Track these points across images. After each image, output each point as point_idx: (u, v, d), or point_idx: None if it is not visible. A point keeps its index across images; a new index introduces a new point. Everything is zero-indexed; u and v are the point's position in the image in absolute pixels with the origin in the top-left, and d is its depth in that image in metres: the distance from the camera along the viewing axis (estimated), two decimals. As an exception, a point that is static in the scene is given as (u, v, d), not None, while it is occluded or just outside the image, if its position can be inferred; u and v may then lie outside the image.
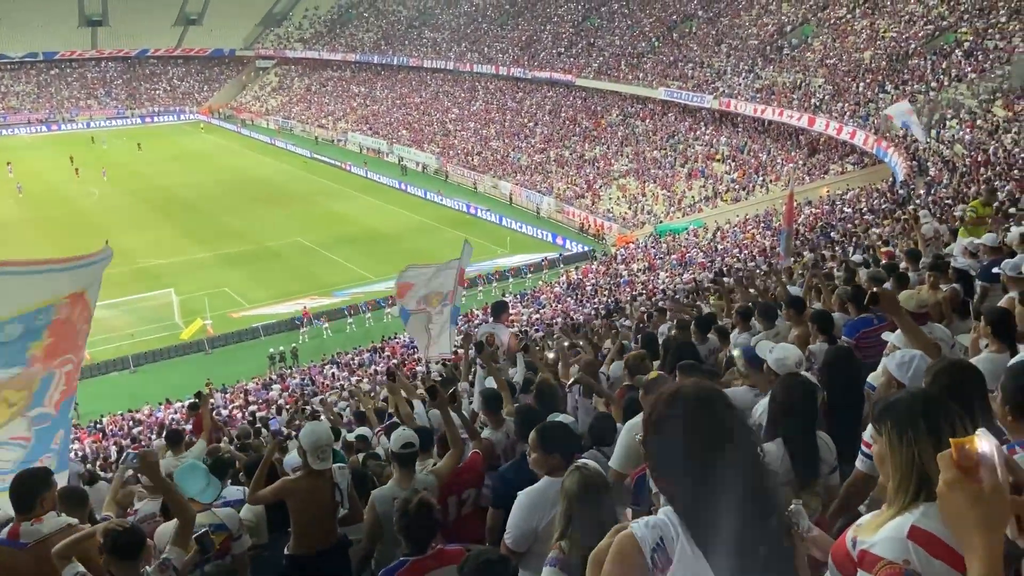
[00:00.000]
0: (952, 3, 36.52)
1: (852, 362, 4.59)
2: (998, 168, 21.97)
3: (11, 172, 50.15)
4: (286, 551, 4.64)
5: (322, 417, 12.26)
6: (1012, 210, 12.79)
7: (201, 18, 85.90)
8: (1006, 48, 31.02)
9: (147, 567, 3.44)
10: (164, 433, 10.52)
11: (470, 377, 7.83)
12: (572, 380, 6.19)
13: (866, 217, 23.52)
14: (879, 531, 1.72)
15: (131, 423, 21.62)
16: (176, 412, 21.37)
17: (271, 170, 54.99)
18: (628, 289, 27.29)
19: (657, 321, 11.35)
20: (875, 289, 4.50)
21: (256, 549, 4.76)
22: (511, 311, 28.85)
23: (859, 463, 3.39)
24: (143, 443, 17.84)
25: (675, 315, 11.07)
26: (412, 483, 4.62)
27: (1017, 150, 23.35)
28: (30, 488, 3.81)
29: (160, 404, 22.94)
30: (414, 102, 64.63)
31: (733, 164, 40.38)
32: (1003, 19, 33.18)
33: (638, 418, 4.51)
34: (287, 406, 19.00)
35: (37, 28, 76.05)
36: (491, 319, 8.64)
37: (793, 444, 3.40)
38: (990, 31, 32.77)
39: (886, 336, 4.58)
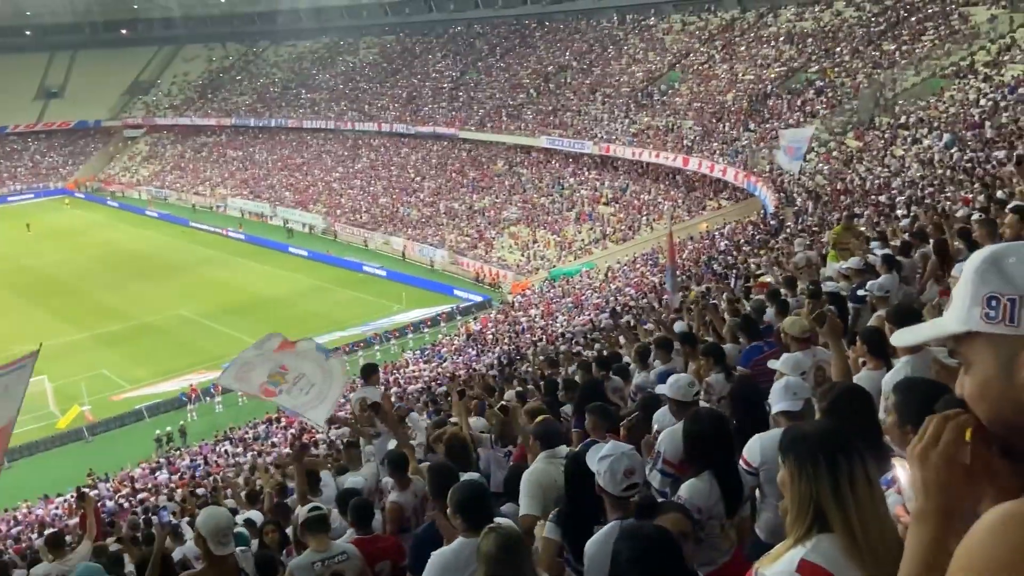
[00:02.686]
0: (800, 46, 39.57)
1: (755, 388, 4.76)
2: (856, 195, 23.67)
3: None
4: None
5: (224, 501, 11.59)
6: (872, 233, 13.75)
7: (63, 91, 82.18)
8: (852, 84, 33.77)
9: None
10: (45, 537, 9.69)
11: (373, 441, 7.61)
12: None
13: (743, 248, 24.73)
14: (775, 563, 1.76)
15: (10, 523, 19.81)
16: (57, 507, 19.78)
17: (147, 243, 52.61)
18: (528, 336, 27.50)
19: (564, 362, 11.47)
20: (825, 310, 4.73)
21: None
22: (414, 366, 28.50)
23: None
24: (23, 543, 16.39)
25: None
26: (329, 548, 4.43)
27: (871, 177, 25.27)
28: None
29: (39, 500, 21.19)
30: (296, 163, 63.78)
31: (618, 206, 41.78)
32: (846, 57, 36.18)
33: (537, 464, 4.52)
34: (177, 491, 17.91)
35: None
36: (361, 382, 8.46)
37: (720, 476, 3.47)
38: (836, 69, 35.64)
39: (772, 363, 4.78)
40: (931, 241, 7.94)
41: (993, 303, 1.08)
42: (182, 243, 51.99)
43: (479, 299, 38.70)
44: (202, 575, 4.15)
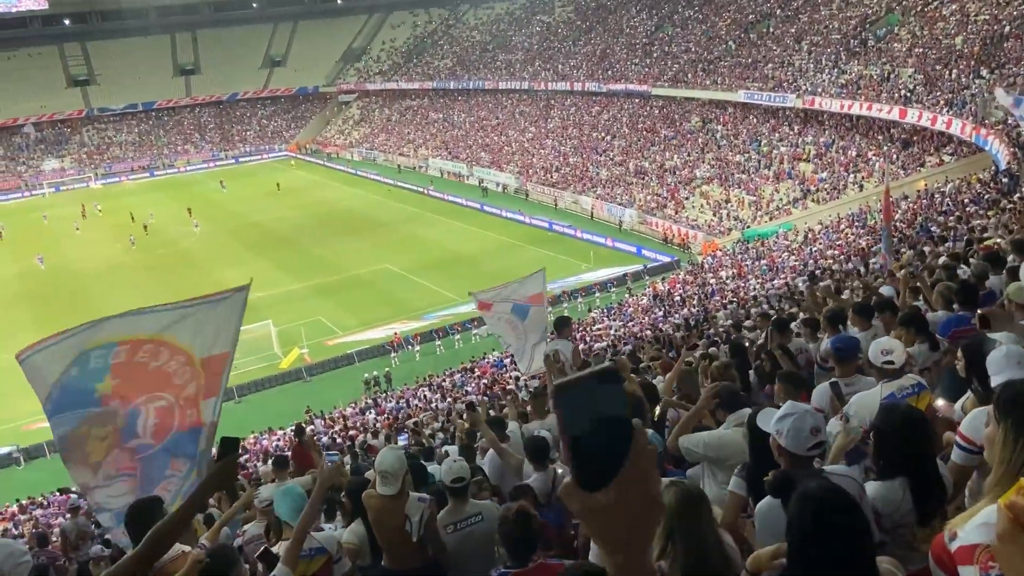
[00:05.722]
0: (1050, -22, 34.55)
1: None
2: (1114, 148, 20.55)
3: (152, 217, 52.65)
4: (382, 563, 4.75)
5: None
6: None
7: (285, 59, 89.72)
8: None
9: None
10: (273, 459, 10.92)
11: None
12: (660, 407, 6.06)
13: (968, 209, 22.35)
14: (971, 520, 1.64)
15: (239, 452, 22.45)
16: (279, 439, 22.13)
17: (357, 200, 56.64)
18: (718, 298, 26.72)
19: (760, 325, 11.10)
20: None
21: (362, 571, 4.86)
22: (600, 325, 28.72)
23: (955, 455, 3.20)
24: (250, 470, 18.54)
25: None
26: (462, 511, 4.64)
27: None
28: (143, 519, 4.02)
29: (264, 432, 23.78)
30: (491, 124, 65.49)
31: (821, 163, 39.13)
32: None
33: (722, 429, 4.47)
34: (382, 430, 19.41)
35: (135, 81, 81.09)
36: (554, 335, 8.66)
37: (916, 481, 3.07)
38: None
39: (992, 335, 4.35)
40: None
41: None
42: (388, 201, 55.44)
43: (667, 259, 38.05)
44: (374, 499, 4.49)
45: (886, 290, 8.94)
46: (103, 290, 39.51)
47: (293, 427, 21.07)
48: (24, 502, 19.83)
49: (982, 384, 3.76)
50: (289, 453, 12.15)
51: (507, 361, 26.34)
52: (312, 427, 22.08)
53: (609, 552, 0.98)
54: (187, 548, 4.02)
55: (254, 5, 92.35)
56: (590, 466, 0.99)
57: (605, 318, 29.90)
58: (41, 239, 50.47)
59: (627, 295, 33.59)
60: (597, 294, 35.03)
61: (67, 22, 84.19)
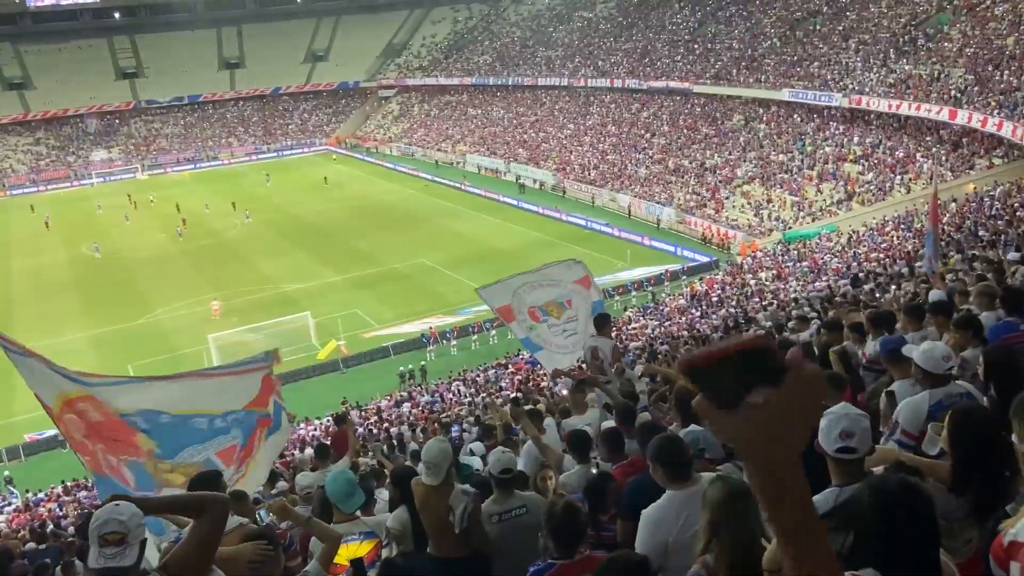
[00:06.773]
0: (1110, -24, 33.52)
1: (1014, 355, 4.22)
2: None
3: (208, 208, 53.94)
4: (427, 549, 4.81)
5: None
6: None
7: (327, 54, 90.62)
8: None
9: None
10: (315, 447, 11.12)
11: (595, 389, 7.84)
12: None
13: (1019, 214, 21.80)
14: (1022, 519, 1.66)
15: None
16: (316, 428, 22.42)
17: (396, 195, 57.02)
18: (758, 299, 26.41)
19: (798, 328, 10.97)
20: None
21: (404, 557, 4.94)
22: (635, 324, 28.57)
23: None
24: (288, 458, 18.84)
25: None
26: (508, 502, 4.68)
27: None
28: (203, 489, 4.15)
29: (300, 422, 24.10)
30: (530, 120, 65.44)
31: (867, 164, 38.43)
32: None
33: None
34: (420, 421, 19.57)
35: (181, 74, 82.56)
36: (594, 332, 8.58)
37: (985, 487, 2.98)
38: None
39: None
40: None
41: None
42: (425, 196, 55.75)
43: (705, 259, 37.68)
44: (420, 486, 4.56)
45: (935, 294, 8.79)
46: (149, 279, 40.39)
47: (331, 416, 21.39)
48: (69, 484, 20.38)
49: (998, 391, 3.74)
50: (329, 441, 12.33)
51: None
52: (349, 417, 22.32)
53: (754, 473, 1.01)
54: (244, 520, 4.13)
55: (298, 0, 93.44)
56: (717, 395, 0.99)
57: (641, 317, 29.74)
58: (90, 228, 51.66)
59: (663, 295, 33.37)
60: (633, 293, 34.86)
61: (117, 15, 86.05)
